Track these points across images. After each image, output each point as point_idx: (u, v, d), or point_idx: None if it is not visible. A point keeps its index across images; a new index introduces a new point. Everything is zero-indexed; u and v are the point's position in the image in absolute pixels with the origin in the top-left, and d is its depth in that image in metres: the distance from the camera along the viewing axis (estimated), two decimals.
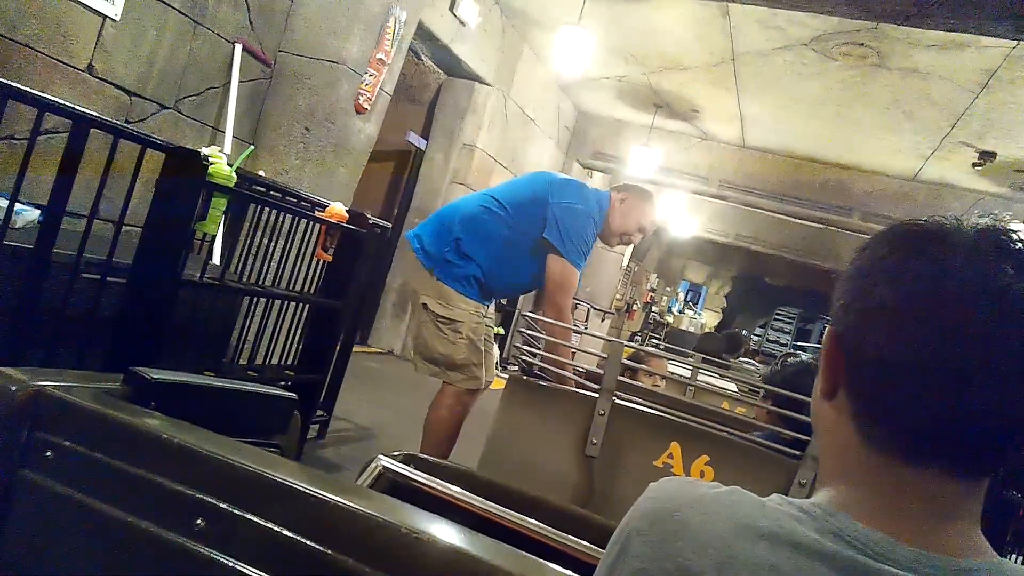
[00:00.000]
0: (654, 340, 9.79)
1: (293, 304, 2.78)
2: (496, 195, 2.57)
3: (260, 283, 2.56)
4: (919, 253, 0.54)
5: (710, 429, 1.79)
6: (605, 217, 2.58)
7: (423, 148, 6.08)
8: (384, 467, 1.15)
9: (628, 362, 2.65)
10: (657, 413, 1.83)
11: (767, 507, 0.56)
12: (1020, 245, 0.53)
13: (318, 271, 2.78)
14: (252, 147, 2.92)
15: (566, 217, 2.44)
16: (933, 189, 7.07)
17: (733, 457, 1.77)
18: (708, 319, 17.30)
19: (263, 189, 2.65)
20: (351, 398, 3.50)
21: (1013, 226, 0.54)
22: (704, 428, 1.79)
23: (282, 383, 2.58)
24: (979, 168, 6.11)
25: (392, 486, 1.17)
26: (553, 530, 1.07)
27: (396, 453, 1.24)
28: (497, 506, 1.12)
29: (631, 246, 3.77)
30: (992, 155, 5.82)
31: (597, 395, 1.91)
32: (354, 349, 3.37)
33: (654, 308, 12.64)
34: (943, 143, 5.95)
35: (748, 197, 7.67)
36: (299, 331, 2.86)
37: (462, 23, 5.18)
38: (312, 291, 2.77)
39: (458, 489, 1.14)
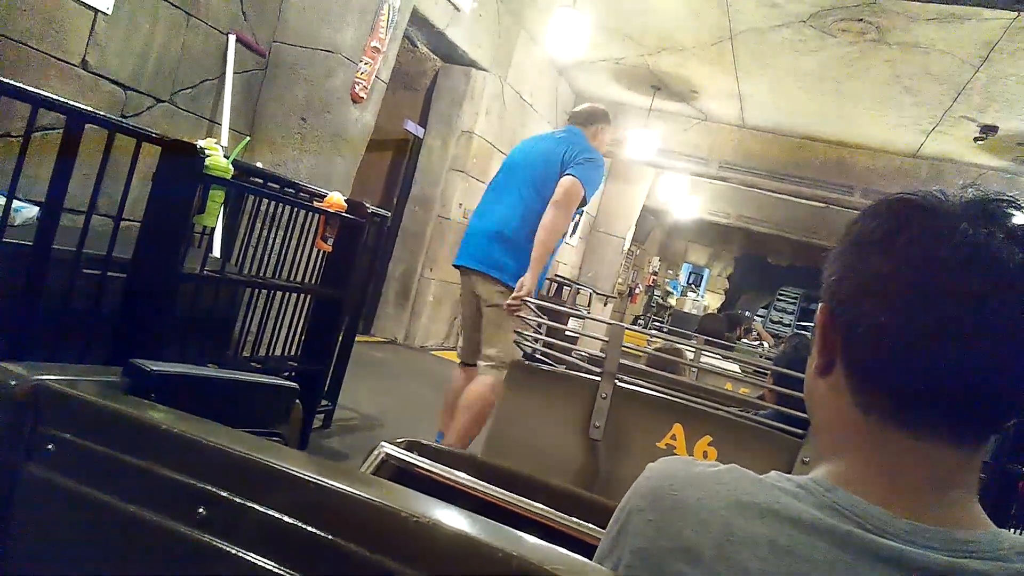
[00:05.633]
0: (657, 323, 9.79)
1: (294, 295, 2.79)
2: (528, 187, 2.92)
3: (261, 275, 2.56)
4: (910, 222, 0.55)
5: (712, 410, 1.79)
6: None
7: (421, 136, 6.06)
8: (387, 454, 1.16)
9: (665, 355, 2.66)
10: (659, 395, 1.83)
11: (765, 484, 0.56)
12: (1008, 211, 0.54)
13: (318, 262, 2.78)
14: (248, 138, 2.91)
15: (589, 165, 2.88)
16: (935, 165, 7.03)
17: (736, 437, 1.78)
18: (711, 301, 17.30)
19: (261, 180, 2.64)
20: (355, 387, 3.51)
21: (999, 196, 0.55)
22: (706, 409, 1.80)
23: (285, 374, 2.59)
24: (981, 142, 6.06)
25: (396, 473, 1.17)
26: (557, 513, 1.07)
27: (399, 440, 1.24)
28: (501, 490, 1.12)
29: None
30: (994, 129, 5.77)
31: (599, 378, 1.91)
32: (357, 339, 3.38)
33: (656, 291, 12.64)
34: (944, 118, 5.90)
35: (749, 177, 7.64)
36: (301, 322, 2.86)
37: (456, 8, 5.14)
38: (313, 282, 2.77)
39: (461, 474, 1.14)
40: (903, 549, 0.50)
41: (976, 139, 6.03)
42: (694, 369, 2.95)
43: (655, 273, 12.74)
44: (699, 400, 1.89)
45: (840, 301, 0.58)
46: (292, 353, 2.85)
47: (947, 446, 0.53)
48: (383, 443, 1.16)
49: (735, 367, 2.92)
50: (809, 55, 5.34)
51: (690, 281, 16.79)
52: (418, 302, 6.13)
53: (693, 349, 2.98)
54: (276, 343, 2.71)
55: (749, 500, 0.54)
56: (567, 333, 2.99)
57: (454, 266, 3.10)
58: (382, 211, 3.30)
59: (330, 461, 0.71)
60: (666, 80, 6.70)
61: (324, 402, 3.11)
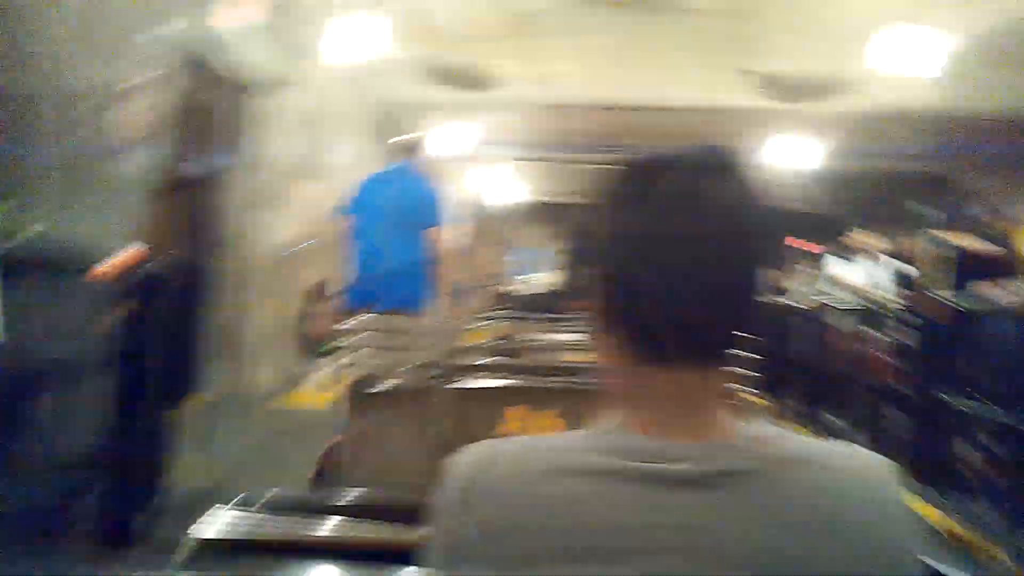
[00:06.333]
0: (500, 311, 9.93)
1: (89, 375, 2.49)
2: (403, 227, 3.40)
3: (48, 359, 2.26)
4: (639, 178, 0.63)
5: (552, 383, 1.82)
6: None
7: (216, 168, 5.64)
8: (201, 538, 1.04)
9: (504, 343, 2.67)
10: (496, 385, 1.85)
11: (557, 445, 0.62)
12: (725, 160, 0.62)
13: (116, 329, 2.50)
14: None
15: (437, 203, 3.51)
16: (729, 116, 7.49)
17: (580, 404, 1.81)
18: (556, 279, 17.83)
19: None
20: (192, 458, 3.20)
21: (716, 146, 0.63)
22: (546, 385, 1.83)
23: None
24: (765, 90, 6.62)
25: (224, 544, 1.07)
26: (411, 532, 1.02)
27: (222, 508, 1.13)
28: (345, 522, 1.08)
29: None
30: (773, 77, 6.33)
31: (435, 384, 1.90)
32: (185, 402, 3.09)
33: (498, 281, 12.83)
34: (726, 72, 6.38)
35: (567, 154, 7.89)
36: (104, 404, 2.54)
37: (242, 28, 4.82)
38: (109, 356, 2.47)
39: (295, 520, 1.07)
40: (659, 468, 0.57)
41: (757, 87, 6.58)
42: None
43: (494, 263, 12.92)
44: (541, 377, 1.92)
45: (592, 257, 0.64)
46: (96, 442, 2.52)
47: (693, 372, 0.61)
48: (193, 528, 1.04)
49: (575, 337, 3.01)
50: (597, 28, 5.60)
51: (531, 264, 17.25)
52: (248, 348, 5.71)
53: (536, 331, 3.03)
54: (75, 436, 2.40)
55: (544, 467, 0.59)
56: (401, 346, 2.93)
57: (356, 309, 3.26)
58: (179, 257, 3.04)
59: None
60: (472, 72, 6.76)
61: (148, 487, 2.78)
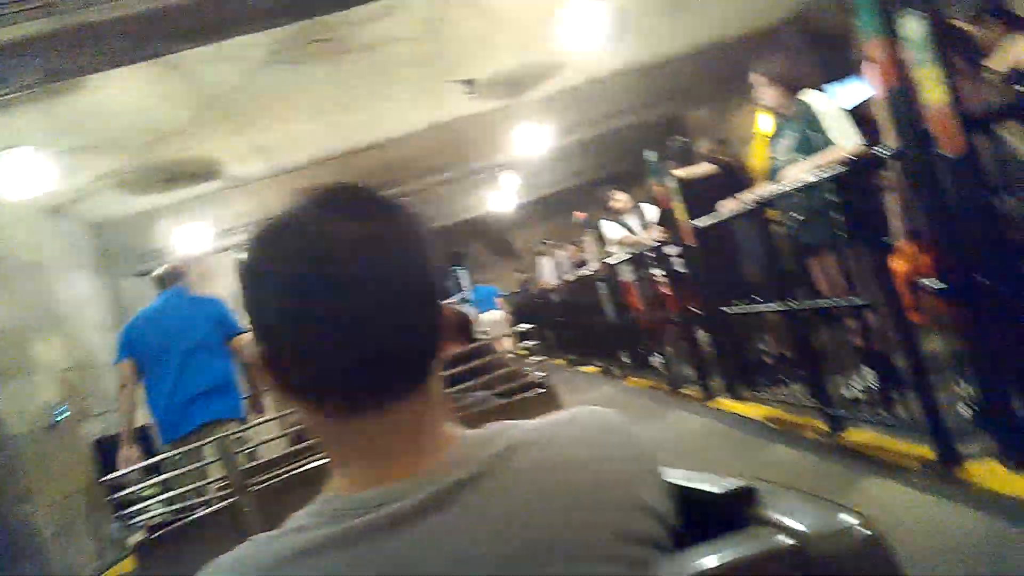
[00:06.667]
0: None
1: None
2: (205, 347, 3.53)
3: None
4: (267, 247, 0.60)
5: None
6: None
7: None
8: None
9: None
10: (296, 471, 1.70)
11: (279, 534, 0.59)
12: (341, 197, 0.61)
13: None
14: None
15: (229, 311, 3.71)
16: (456, 128, 7.73)
17: None
18: None
19: None
20: None
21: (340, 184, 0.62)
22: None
23: None
24: (472, 95, 6.87)
25: None
26: None
27: None
28: None
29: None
30: (471, 82, 6.59)
31: (240, 497, 1.69)
32: None
33: None
34: (437, 89, 6.53)
35: None
36: None
37: None
38: None
39: None
40: (378, 517, 0.55)
41: (467, 94, 6.81)
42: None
43: None
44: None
45: (255, 330, 0.62)
46: None
47: (385, 410, 0.58)
48: None
49: None
50: (299, 86, 5.44)
51: None
52: (48, 536, 4.80)
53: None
54: None
55: (268, 563, 0.56)
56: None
57: (182, 436, 3.33)
58: None
59: None
60: (181, 168, 6.30)
61: None
